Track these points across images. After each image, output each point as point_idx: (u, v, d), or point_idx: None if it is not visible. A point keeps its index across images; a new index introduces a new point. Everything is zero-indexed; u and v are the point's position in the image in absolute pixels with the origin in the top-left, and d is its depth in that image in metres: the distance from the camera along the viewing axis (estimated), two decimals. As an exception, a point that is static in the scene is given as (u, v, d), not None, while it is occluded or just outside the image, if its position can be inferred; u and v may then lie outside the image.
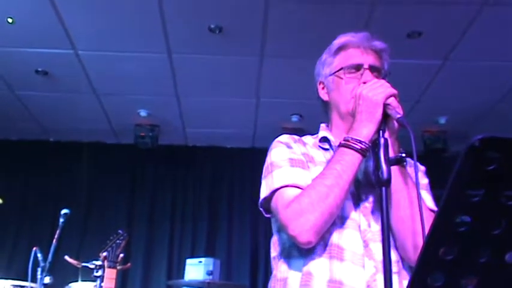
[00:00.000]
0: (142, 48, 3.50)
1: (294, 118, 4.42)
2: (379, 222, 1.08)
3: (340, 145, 1.09)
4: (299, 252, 1.11)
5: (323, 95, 1.29)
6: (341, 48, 1.26)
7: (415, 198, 1.08)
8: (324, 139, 1.25)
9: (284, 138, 1.24)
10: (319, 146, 1.24)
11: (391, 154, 1.05)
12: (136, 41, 3.42)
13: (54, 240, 2.78)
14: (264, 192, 1.17)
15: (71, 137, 4.78)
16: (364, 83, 1.16)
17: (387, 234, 0.96)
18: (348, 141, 1.09)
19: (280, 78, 3.81)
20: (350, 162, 1.07)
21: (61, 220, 2.94)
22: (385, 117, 1.08)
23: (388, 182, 1.01)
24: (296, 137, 1.26)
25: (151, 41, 3.42)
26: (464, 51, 3.45)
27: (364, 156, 1.08)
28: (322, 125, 1.30)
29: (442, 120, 4.41)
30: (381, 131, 1.07)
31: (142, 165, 4.82)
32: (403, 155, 1.11)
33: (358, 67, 1.22)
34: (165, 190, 4.83)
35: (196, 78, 3.87)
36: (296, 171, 1.14)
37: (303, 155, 1.19)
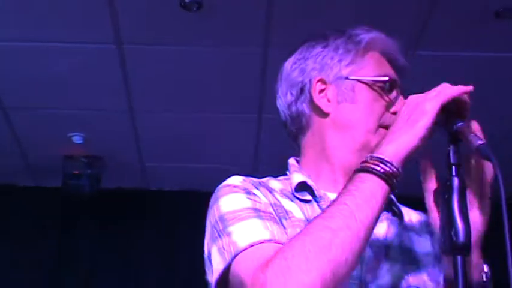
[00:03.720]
0: (77, 36, 3.44)
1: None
2: None
3: (356, 169, 1.13)
4: None
5: (320, 101, 1.31)
6: (369, 45, 1.33)
7: None
8: (302, 186, 1.28)
9: (237, 180, 1.26)
10: (295, 197, 1.28)
11: (477, 217, 1.10)
12: (67, 26, 3.37)
13: None
14: (218, 264, 1.16)
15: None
16: (394, 113, 1.25)
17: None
18: (366, 162, 1.12)
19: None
20: (369, 193, 1.08)
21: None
22: (455, 141, 1.10)
23: (466, 248, 1.03)
24: (255, 179, 1.29)
25: (92, 25, 3.37)
26: None
27: (391, 186, 1.10)
28: (293, 163, 1.36)
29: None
30: (453, 167, 1.08)
31: (74, 223, 4.69)
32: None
33: (392, 85, 1.31)
34: (111, 262, 4.67)
35: (161, 82, 3.80)
36: (268, 224, 1.16)
37: (274, 207, 1.22)
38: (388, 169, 1.08)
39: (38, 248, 4.56)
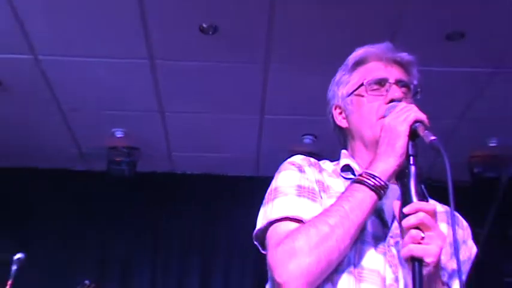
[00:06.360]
0: (117, 52, 3.69)
1: (307, 139, 4.59)
2: (410, 278, 1.12)
3: (353, 180, 1.22)
4: None
5: (340, 121, 1.42)
6: (359, 62, 1.39)
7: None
8: (346, 167, 1.36)
9: (297, 159, 1.35)
10: (341, 175, 1.36)
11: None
12: (110, 44, 3.62)
13: (6, 291, 2.89)
14: (260, 222, 1.28)
15: (27, 163, 4.96)
16: (392, 100, 1.29)
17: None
18: (361, 176, 1.20)
19: (290, 90, 3.97)
20: (360, 200, 1.17)
21: (14, 267, 3.08)
22: (413, 137, 1.18)
23: None
24: (312, 159, 1.37)
25: (129, 43, 3.61)
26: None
27: (379, 196, 1.19)
28: (344, 152, 1.43)
29: (493, 142, 4.56)
30: (411, 157, 1.16)
31: (117, 198, 4.97)
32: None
33: (382, 82, 1.34)
34: (146, 230, 5.00)
35: (184, 89, 4.07)
36: (302, 202, 1.25)
37: (317, 183, 1.30)
38: (377, 183, 1.17)
39: (89, 214, 4.75)
